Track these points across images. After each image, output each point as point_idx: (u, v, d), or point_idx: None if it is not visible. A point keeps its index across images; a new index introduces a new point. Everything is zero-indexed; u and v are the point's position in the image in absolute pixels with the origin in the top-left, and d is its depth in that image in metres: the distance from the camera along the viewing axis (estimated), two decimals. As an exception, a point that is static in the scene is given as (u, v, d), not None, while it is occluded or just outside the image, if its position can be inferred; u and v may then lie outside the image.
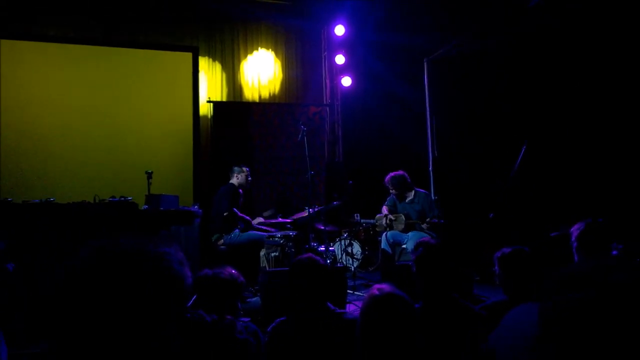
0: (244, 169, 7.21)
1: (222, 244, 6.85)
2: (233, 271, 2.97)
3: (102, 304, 1.06)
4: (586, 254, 3.41)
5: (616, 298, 1.08)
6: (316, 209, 7.08)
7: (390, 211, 7.17)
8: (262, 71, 10.21)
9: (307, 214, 6.98)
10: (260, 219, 7.35)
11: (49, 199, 5.77)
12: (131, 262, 1.12)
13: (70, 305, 1.08)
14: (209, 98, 9.58)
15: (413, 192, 7.13)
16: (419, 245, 3.23)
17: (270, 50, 10.32)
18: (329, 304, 3.06)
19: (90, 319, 1.06)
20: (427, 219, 6.81)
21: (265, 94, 10.22)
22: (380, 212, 7.33)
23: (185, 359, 1.30)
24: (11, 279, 2.68)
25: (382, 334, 2.25)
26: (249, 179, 7.29)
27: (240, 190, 7.17)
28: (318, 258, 3.13)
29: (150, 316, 1.10)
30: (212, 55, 9.89)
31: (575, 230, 3.48)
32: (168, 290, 1.14)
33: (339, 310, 3.07)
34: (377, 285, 2.40)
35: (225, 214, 6.80)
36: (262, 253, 6.62)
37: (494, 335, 2.32)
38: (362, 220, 8.62)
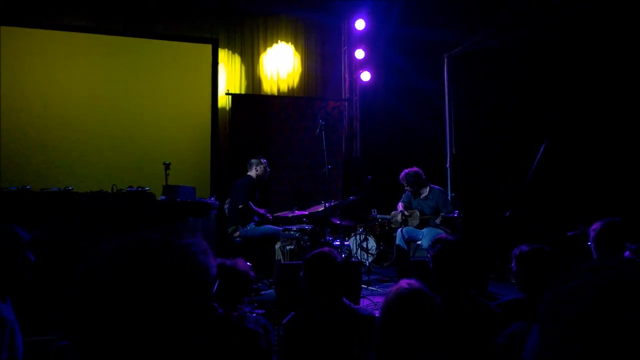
0: (262, 160, 7.17)
1: (238, 236, 6.87)
2: (247, 264, 2.96)
3: (129, 296, 1.06)
4: (604, 253, 3.39)
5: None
6: (332, 204, 7.07)
7: (406, 207, 7.15)
8: (281, 64, 10.20)
9: (322, 208, 6.98)
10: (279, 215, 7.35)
11: (68, 188, 5.83)
12: (157, 255, 1.12)
13: (97, 298, 1.08)
14: (228, 90, 9.60)
15: (428, 188, 7.09)
16: (436, 241, 3.20)
17: (290, 43, 10.31)
18: (344, 299, 3.05)
19: (118, 312, 1.06)
20: (442, 214, 6.79)
21: (284, 87, 10.22)
22: (396, 209, 7.31)
23: (201, 350, 1.31)
24: (31, 269, 2.71)
25: (405, 330, 2.22)
26: (268, 170, 7.26)
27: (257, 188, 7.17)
28: (334, 252, 3.11)
29: (177, 307, 1.10)
30: (232, 47, 9.89)
31: (593, 229, 3.45)
32: (194, 281, 1.15)
33: (354, 306, 3.06)
34: (405, 280, 2.37)
35: (240, 206, 6.81)
36: (277, 246, 6.64)
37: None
38: (378, 216, 8.61)
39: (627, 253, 3.36)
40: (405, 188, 7.15)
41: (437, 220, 6.81)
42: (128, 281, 1.07)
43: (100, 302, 1.07)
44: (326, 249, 3.15)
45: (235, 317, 1.82)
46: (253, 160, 7.15)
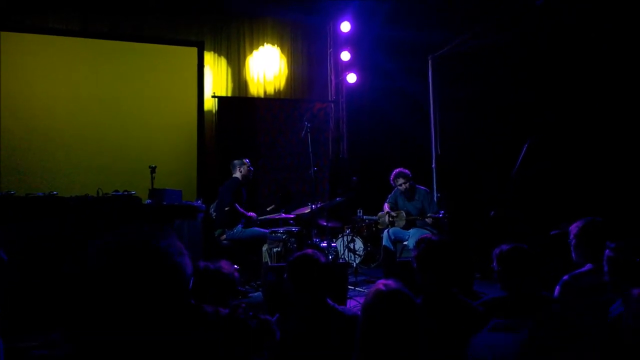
0: (245, 161, 7.21)
1: (225, 239, 6.87)
2: (234, 266, 2.97)
3: (108, 295, 1.10)
4: (583, 251, 3.43)
5: None
6: (319, 205, 7.09)
7: (392, 208, 7.20)
8: (267, 67, 10.22)
9: (309, 210, 7.00)
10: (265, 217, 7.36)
11: (52, 192, 5.80)
12: (135, 256, 1.16)
13: (78, 296, 1.11)
14: (214, 93, 9.60)
15: (414, 189, 7.16)
16: (420, 241, 3.23)
17: (276, 45, 10.33)
18: (328, 300, 3.08)
19: (100, 309, 1.10)
20: (429, 214, 6.85)
21: (271, 89, 10.24)
22: (382, 210, 7.36)
23: (203, 351, 1.35)
24: (6, 269, 2.70)
25: (384, 330, 2.24)
26: (251, 169, 7.29)
27: (243, 189, 7.18)
28: (317, 254, 3.14)
29: (154, 305, 1.13)
30: (218, 50, 9.90)
31: (573, 228, 3.50)
32: (170, 280, 1.18)
33: (339, 307, 3.09)
34: (382, 281, 2.38)
35: (226, 208, 6.82)
36: (264, 248, 6.66)
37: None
38: (364, 217, 8.63)
39: (607, 252, 3.40)
40: (398, 186, 7.20)
41: (428, 220, 6.86)
42: (109, 279, 1.11)
43: (83, 296, 1.10)
44: (309, 250, 3.18)
45: (240, 312, 1.87)
46: (236, 162, 7.19)
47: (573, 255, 3.50)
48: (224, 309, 2.18)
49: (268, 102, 9.84)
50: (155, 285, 1.15)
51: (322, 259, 3.13)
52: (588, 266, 3.39)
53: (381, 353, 2.26)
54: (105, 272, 1.13)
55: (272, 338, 2.30)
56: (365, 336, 2.30)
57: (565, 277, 3.40)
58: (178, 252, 1.24)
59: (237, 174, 7.13)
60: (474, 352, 2.40)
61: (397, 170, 7.18)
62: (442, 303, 2.99)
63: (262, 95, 10.11)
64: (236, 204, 6.88)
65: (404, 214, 7.03)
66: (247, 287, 6.75)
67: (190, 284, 1.29)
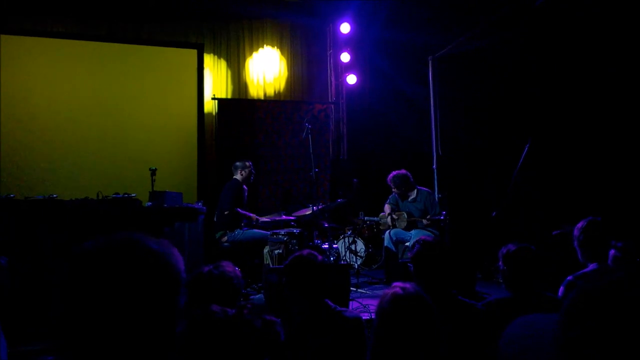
0: (247, 163, 7.19)
1: (226, 241, 6.85)
2: (235, 267, 2.96)
3: (100, 299, 1.09)
4: (588, 251, 3.42)
5: None
6: (320, 207, 7.08)
7: (393, 209, 7.18)
8: (267, 68, 10.20)
9: (310, 211, 6.98)
10: (266, 219, 7.34)
11: (52, 195, 5.78)
12: (127, 259, 1.15)
13: (69, 301, 1.11)
14: (214, 95, 9.58)
15: (415, 190, 7.13)
16: (416, 242, 3.22)
17: (275, 47, 10.31)
18: (327, 300, 3.05)
19: (91, 314, 1.09)
20: (428, 216, 6.83)
21: (271, 91, 10.22)
22: (383, 211, 7.34)
23: (205, 351, 1.34)
24: (5, 273, 2.68)
25: (403, 335, 2.18)
26: (253, 172, 7.28)
27: (245, 187, 7.17)
28: (315, 254, 3.11)
29: (148, 310, 1.12)
30: (217, 52, 9.88)
31: (577, 228, 3.49)
32: (163, 285, 1.17)
33: (339, 308, 3.06)
34: (399, 284, 2.33)
35: (226, 212, 6.81)
36: (265, 250, 6.63)
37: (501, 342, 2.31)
38: (366, 218, 8.62)
39: (612, 251, 3.39)
40: (393, 190, 7.19)
41: (425, 222, 6.85)
42: (100, 283, 1.11)
43: (74, 301, 1.10)
44: (305, 251, 3.15)
45: (246, 313, 1.87)
46: (238, 164, 7.17)
47: (579, 255, 3.49)
48: (230, 309, 2.17)
49: (268, 104, 9.82)
50: (145, 287, 1.13)
51: (319, 259, 3.09)
52: (592, 266, 3.38)
53: (398, 358, 2.20)
54: (93, 274, 1.12)
55: (277, 339, 2.29)
56: (381, 341, 2.25)
57: (569, 278, 3.38)
58: (170, 254, 1.22)
59: (238, 176, 7.12)
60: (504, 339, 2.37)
61: (389, 176, 7.16)
62: (442, 304, 2.96)
63: (262, 97, 10.09)
64: (237, 207, 6.87)
65: (405, 215, 7.01)
66: (248, 289, 6.72)
67: (183, 287, 1.27)
